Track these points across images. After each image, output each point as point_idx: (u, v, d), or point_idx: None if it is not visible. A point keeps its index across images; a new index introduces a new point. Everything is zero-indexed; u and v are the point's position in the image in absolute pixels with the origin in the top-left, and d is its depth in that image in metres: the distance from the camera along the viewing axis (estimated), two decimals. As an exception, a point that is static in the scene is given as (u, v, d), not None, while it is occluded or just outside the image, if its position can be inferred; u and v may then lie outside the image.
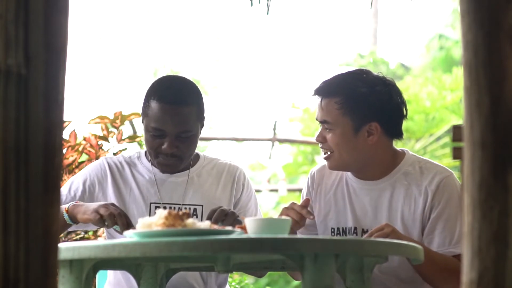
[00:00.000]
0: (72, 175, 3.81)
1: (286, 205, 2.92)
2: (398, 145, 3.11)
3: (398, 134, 3.05)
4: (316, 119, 3.05)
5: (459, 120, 9.67)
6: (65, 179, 4.05)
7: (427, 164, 3.04)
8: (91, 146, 4.28)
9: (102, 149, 4.31)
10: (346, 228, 3.05)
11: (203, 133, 3.28)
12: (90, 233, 4.32)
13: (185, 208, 3.16)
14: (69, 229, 3.11)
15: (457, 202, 2.96)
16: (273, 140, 9.88)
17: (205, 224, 2.33)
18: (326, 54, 25.15)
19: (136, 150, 3.38)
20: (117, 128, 4.38)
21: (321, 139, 3.02)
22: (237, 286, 5.01)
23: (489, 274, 1.55)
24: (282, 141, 10.23)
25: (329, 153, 3.01)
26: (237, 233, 2.31)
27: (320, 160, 3.10)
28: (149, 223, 2.29)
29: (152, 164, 3.20)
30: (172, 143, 3.07)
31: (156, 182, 3.20)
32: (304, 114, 11.72)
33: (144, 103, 3.11)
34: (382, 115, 2.99)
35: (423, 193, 2.98)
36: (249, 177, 3.33)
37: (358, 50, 14.50)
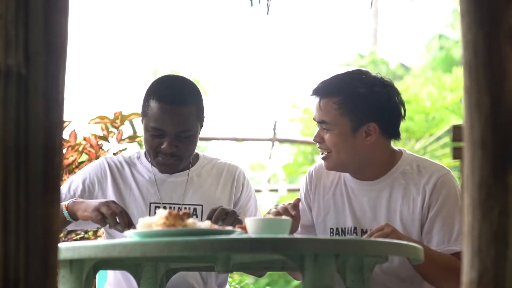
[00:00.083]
0: (72, 175, 3.81)
1: (274, 209, 2.89)
2: (397, 145, 3.11)
3: (396, 135, 3.04)
4: (314, 119, 3.04)
5: (459, 120, 9.67)
6: (65, 179, 4.05)
7: (425, 163, 3.04)
8: (91, 146, 4.28)
9: (102, 149, 4.31)
10: (345, 228, 3.05)
11: (203, 133, 3.28)
12: (90, 233, 4.31)
13: (185, 208, 3.16)
14: (69, 228, 3.10)
15: (455, 200, 2.96)
16: (273, 140, 9.88)
17: (206, 224, 2.33)
18: (326, 54, 25.17)
19: (136, 150, 3.37)
20: (117, 128, 4.38)
21: (319, 139, 3.02)
22: (237, 286, 5.01)
23: (489, 274, 1.55)
24: (282, 141, 10.23)
25: (326, 153, 3.01)
26: (237, 233, 2.31)
27: (320, 160, 3.08)
28: (150, 223, 2.29)
29: (151, 164, 3.20)
30: (171, 143, 3.07)
31: (156, 182, 3.20)
32: (304, 114, 11.72)
33: (144, 103, 3.11)
34: (380, 116, 2.98)
35: (421, 192, 2.98)
36: (248, 177, 3.33)
37: (358, 50, 14.52)
